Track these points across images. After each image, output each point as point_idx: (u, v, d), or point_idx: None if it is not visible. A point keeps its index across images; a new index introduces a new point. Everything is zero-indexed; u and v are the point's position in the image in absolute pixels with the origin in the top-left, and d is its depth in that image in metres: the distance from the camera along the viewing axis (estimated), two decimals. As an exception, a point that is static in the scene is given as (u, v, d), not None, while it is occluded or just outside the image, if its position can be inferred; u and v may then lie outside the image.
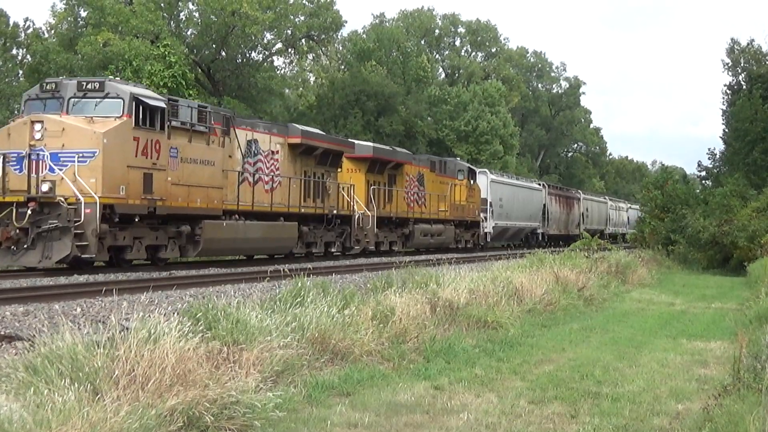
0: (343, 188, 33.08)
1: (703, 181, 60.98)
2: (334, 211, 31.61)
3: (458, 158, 50.10)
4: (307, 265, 19.33)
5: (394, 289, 14.77)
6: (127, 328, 8.86)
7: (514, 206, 54.31)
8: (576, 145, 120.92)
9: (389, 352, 12.06)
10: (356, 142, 37.09)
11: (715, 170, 58.72)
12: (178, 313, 10.74)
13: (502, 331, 15.04)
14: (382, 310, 13.08)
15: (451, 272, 18.61)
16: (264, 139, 27.99)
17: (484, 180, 50.59)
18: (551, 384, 10.80)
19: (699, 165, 60.68)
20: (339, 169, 33.35)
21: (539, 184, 63.00)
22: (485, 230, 49.68)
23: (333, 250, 32.54)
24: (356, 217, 33.10)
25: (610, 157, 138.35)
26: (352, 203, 33.25)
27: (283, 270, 17.23)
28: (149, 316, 9.41)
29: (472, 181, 47.21)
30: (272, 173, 28.09)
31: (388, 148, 39.80)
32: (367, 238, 34.07)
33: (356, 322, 12.15)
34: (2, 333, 10.69)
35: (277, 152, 28.56)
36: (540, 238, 60.40)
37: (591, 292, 22.20)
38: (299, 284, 13.42)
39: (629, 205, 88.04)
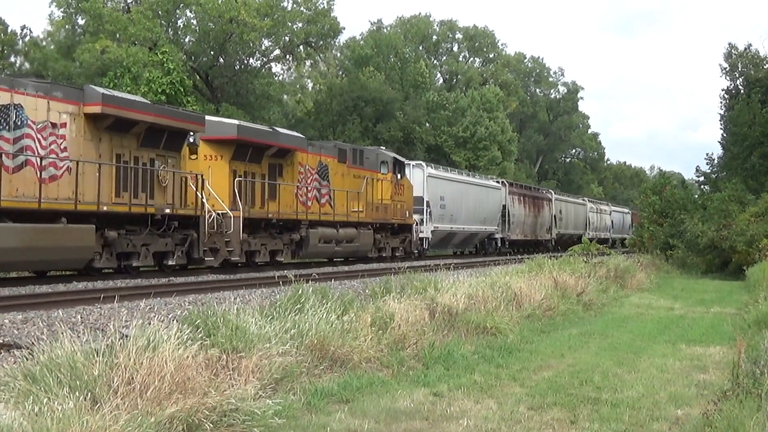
0: (189, 180, 24.80)
1: (702, 186, 61.01)
2: (167, 210, 23.41)
3: (382, 148, 41.47)
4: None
5: (393, 295, 14.77)
6: (126, 336, 8.85)
7: (462, 207, 46.82)
8: (574, 151, 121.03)
9: (388, 358, 12.05)
10: (211, 118, 27.69)
11: (713, 175, 58.75)
12: (177, 320, 10.74)
13: (501, 336, 15.03)
14: (381, 316, 13.07)
15: (450, 278, 18.61)
16: (36, 104, 19.95)
17: (419, 175, 42.77)
18: (550, 390, 10.79)
19: (697, 170, 60.75)
20: (194, 156, 25.70)
21: (498, 182, 55.88)
22: (421, 235, 41.52)
23: (171, 262, 24.02)
24: (209, 218, 24.96)
25: (609, 162, 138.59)
26: (202, 200, 25.01)
27: (277, 277, 17.20)
28: (148, 323, 9.40)
29: (399, 176, 38.74)
30: (53, 155, 20.22)
31: (265, 128, 30.35)
32: (229, 247, 25.76)
33: (355, 329, 12.14)
34: (1, 341, 10.67)
35: (64, 125, 20.62)
36: (499, 244, 54.09)
37: (590, 297, 22.20)
38: (298, 291, 13.41)
39: (613, 207, 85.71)
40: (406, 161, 42.21)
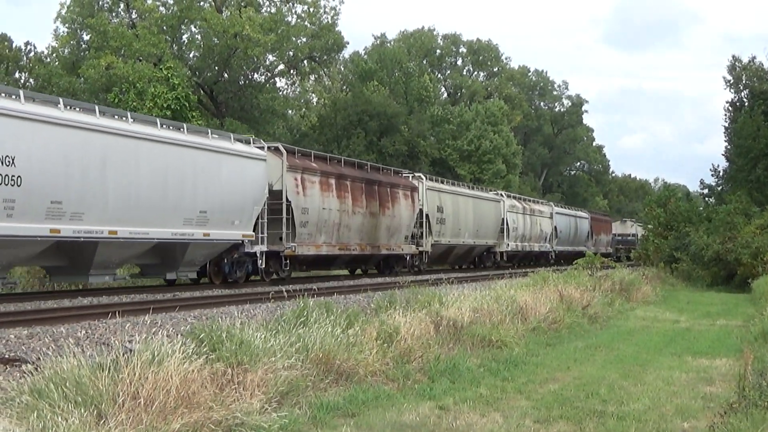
0: None
1: (706, 199, 61.00)
2: None
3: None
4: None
5: (398, 309, 14.76)
6: (131, 351, 8.86)
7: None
8: (579, 164, 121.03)
9: (394, 372, 12.04)
10: None
11: (718, 188, 58.77)
12: (181, 335, 10.74)
13: (507, 350, 15.01)
14: (386, 329, 13.06)
15: (455, 291, 18.59)
16: None
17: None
18: (556, 403, 10.76)
19: (702, 183, 60.79)
20: None
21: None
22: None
23: None
24: None
25: (614, 175, 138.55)
26: None
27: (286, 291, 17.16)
28: (153, 338, 9.40)
29: None
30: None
31: None
32: None
33: (360, 342, 12.13)
34: (7, 356, 10.68)
35: None
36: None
37: (595, 310, 22.15)
38: (303, 305, 13.40)
39: (559, 209, 65.45)
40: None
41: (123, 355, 8.62)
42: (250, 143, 27.41)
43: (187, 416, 7.93)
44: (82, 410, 7.50)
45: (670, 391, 11.87)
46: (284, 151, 28.89)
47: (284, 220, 28.14)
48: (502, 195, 52.42)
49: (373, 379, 11.57)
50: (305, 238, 29.60)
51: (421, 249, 39.15)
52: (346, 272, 37.57)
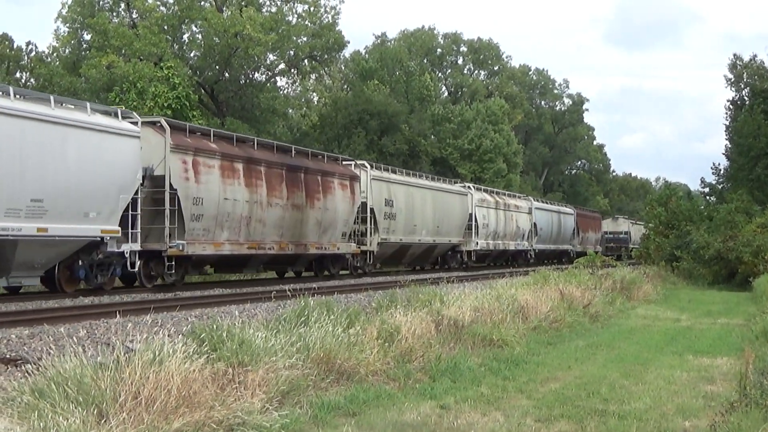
0: None
1: (707, 198, 61.00)
2: None
3: None
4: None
5: (399, 308, 14.76)
6: (133, 350, 8.86)
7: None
8: (580, 163, 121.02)
9: (395, 371, 12.04)
10: None
11: (719, 186, 58.74)
12: (182, 335, 10.75)
13: (508, 349, 15.00)
14: (387, 329, 13.05)
15: (456, 290, 18.59)
16: None
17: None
18: (557, 402, 10.75)
19: (702, 181, 60.75)
20: None
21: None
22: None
23: None
24: None
25: (614, 174, 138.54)
26: None
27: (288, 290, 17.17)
28: (154, 337, 9.41)
29: None
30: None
31: None
32: None
33: (361, 342, 12.12)
34: (8, 356, 10.68)
35: None
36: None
37: (596, 308, 22.14)
38: (303, 304, 13.41)
39: (540, 204, 61.15)
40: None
41: (124, 354, 8.62)
42: (117, 115, 22.24)
43: (188, 416, 7.93)
44: (83, 410, 7.50)
45: (671, 390, 11.86)
46: (167, 127, 24.06)
47: (167, 212, 23.41)
48: (470, 188, 47.83)
49: (374, 379, 11.57)
50: (199, 234, 24.88)
51: (364, 248, 34.73)
52: (272, 275, 33.54)
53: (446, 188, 44.36)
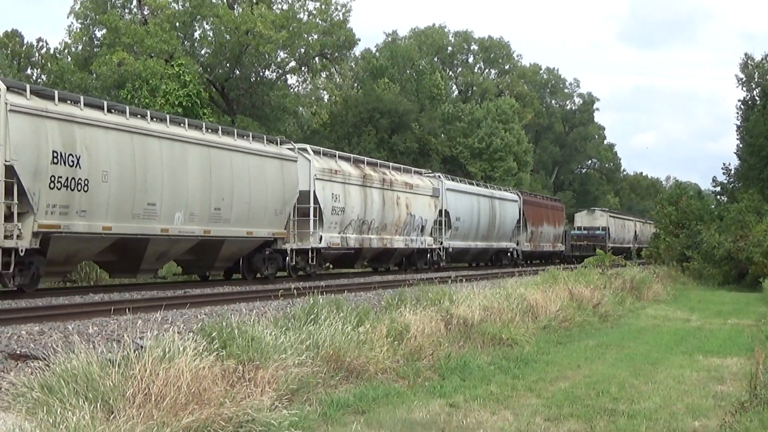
0: None
1: (718, 197, 60.80)
2: None
3: None
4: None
5: (408, 307, 14.76)
6: (142, 347, 8.87)
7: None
8: (590, 162, 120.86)
9: (404, 369, 12.04)
10: None
11: (729, 186, 58.54)
12: (192, 332, 10.76)
13: (517, 348, 14.99)
14: (396, 327, 13.06)
15: (465, 289, 18.58)
16: None
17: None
18: (567, 401, 10.74)
19: (714, 181, 60.52)
20: None
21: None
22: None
23: None
24: None
25: (625, 173, 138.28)
26: None
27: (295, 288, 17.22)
28: (164, 334, 9.42)
29: None
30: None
31: None
32: None
33: (371, 340, 12.13)
34: (18, 352, 10.71)
35: None
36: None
37: (606, 308, 22.12)
38: (313, 302, 13.42)
39: (448, 183, 42.76)
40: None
41: (134, 351, 8.64)
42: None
43: (197, 412, 7.94)
44: (92, 406, 7.52)
45: (681, 390, 11.84)
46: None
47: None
48: (294, 148, 29.88)
49: (383, 377, 11.57)
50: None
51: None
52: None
53: (238, 146, 26.28)
